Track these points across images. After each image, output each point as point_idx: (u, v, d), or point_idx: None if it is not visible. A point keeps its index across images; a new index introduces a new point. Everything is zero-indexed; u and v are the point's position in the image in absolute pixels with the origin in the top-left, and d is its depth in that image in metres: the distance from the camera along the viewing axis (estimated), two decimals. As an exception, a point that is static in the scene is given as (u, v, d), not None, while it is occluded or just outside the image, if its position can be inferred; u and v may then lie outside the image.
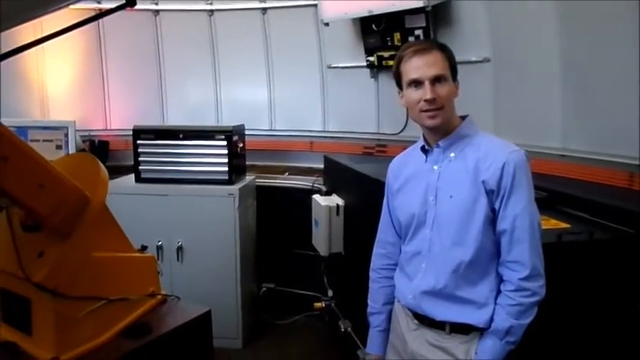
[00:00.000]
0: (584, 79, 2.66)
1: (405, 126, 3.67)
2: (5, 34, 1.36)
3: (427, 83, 1.52)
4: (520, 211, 1.49)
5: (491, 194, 1.51)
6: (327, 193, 3.58)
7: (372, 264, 1.86)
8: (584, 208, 2.22)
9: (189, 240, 3.53)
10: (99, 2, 4.11)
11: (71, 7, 1.68)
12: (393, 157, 1.87)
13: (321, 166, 3.95)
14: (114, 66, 4.48)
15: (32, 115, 4.21)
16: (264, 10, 4.23)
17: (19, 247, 1.55)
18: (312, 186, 4.01)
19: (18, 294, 1.60)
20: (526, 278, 1.48)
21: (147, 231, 3.15)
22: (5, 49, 1.44)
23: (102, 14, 1.79)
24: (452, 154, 1.59)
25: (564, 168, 2.73)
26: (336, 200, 3.34)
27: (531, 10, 2.87)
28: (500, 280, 1.54)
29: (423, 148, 1.67)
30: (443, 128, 1.59)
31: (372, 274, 1.86)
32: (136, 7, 1.65)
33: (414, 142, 1.77)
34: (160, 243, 3.50)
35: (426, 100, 1.53)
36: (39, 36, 1.52)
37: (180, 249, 3.52)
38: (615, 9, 2.40)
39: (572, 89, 2.72)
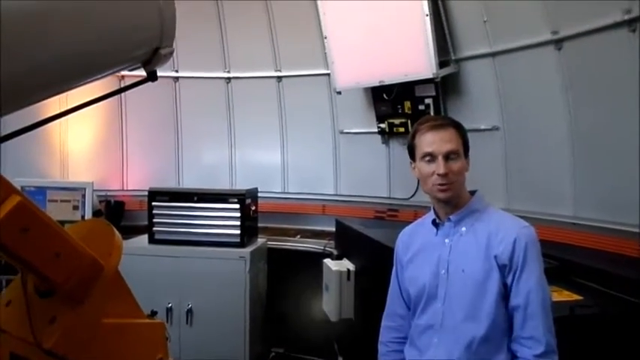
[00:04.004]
0: (593, 146, 2.70)
1: (416, 191, 3.69)
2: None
3: (440, 158, 1.56)
4: (533, 286, 1.49)
5: (503, 269, 1.51)
6: (339, 257, 3.56)
7: (380, 337, 1.83)
8: (596, 278, 2.20)
9: (199, 303, 3.51)
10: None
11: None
12: (405, 222, 1.89)
13: (333, 229, 3.95)
14: (133, 128, 4.63)
15: (52, 175, 4.33)
16: (280, 78, 4.39)
17: (32, 311, 1.56)
18: (324, 249, 3.99)
19: (27, 359, 1.60)
20: (541, 355, 1.45)
21: (158, 292, 3.17)
22: (31, 120, 1.50)
23: (124, 88, 1.88)
24: (463, 229, 1.61)
25: (576, 236, 2.73)
26: (347, 265, 3.31)
27: (537, 79, 2.95)
28: (513, 356, 1.51)
29: (433, 222, 1.68)
30: (454, 202, 1.61)
31: (381, 348, 1.83)
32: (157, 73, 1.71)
33: (425, 207, 1.79)
34: (169, 305, 3.49)
35: (439, 175, 1.56)
36: (63, 106, 1.59)
37: (189, 312, 3.50)
38: (620, 76, 2.46)
39: (582, 157, 2.75)
